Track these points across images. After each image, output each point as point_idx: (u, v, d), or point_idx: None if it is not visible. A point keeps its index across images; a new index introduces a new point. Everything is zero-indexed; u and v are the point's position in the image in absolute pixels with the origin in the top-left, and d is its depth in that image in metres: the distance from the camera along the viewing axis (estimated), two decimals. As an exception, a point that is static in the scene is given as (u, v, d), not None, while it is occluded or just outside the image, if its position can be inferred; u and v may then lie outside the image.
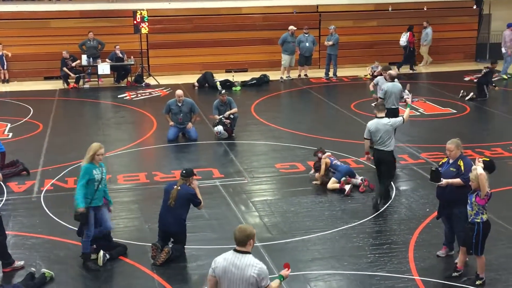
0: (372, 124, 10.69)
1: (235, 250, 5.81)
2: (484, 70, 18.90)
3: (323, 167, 11.69)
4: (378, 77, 14.20)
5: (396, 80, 13.34)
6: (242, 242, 5.80)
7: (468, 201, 7.98)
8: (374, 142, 10.69)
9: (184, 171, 9.09)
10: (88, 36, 21.14)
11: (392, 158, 10.87)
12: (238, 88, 20.46)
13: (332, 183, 11.51)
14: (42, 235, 9.70)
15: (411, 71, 23.09)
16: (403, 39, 23.06)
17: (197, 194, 8.95)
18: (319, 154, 11.92)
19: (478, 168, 7.83)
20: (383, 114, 10.73)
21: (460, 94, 18.65)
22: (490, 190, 7.85)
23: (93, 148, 8.67)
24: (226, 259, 5.80)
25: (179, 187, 8.91)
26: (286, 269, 6.06)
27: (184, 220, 8.94)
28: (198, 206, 9.07)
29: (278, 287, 5.94)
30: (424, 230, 9.79)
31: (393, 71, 13.79)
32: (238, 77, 21.56)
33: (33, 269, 8.41)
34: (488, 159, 8.57)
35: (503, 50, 21.82)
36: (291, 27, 21.66)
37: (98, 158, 8.68)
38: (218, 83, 20.24)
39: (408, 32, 23.02)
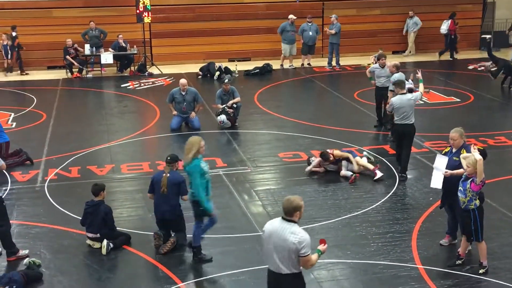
0: (396, 100, 11.30)
1: (282, 218, 6.12)
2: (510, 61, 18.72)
3: (343, 154, 11.71)
4: (373, 65, 14.38)
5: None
6: (289, 213, 6.09)
7: (461, 188, 7.98)
8: (397, 117, 11.31)
9: (169, 157, 9.11)
10: (89, 25, 21.10)
11: (414, 130, 11.50)
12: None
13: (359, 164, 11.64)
14: (46, 224, 9.73)
15: (451, 59, 23.07)
16: (444, 27, 22.98)
17: None
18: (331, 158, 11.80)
19: (476, 154, 7.84)
20: (404, 91, 11.39)
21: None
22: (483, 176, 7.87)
23: (196, 143, 8.45)
24: (273, 225, 6.16)
25: (168, 174, 8.92)
26: (323, 244, 6.28)
27: (179, 206, 8.95)
28: (185, 196, 8.87)
29: (316, 260, 6.20)
30: (427, 219, 9.79)
31: (397, 61, 13.86)
32: (241, 66, 21.53)
33: (26, 260, 8.43)
34: (482, 148, 8.59)
35: None
36: (291, 16, 21.63)
37: (202, 151, 8.49)
38: (217, 73, 20.28)
39: (449, 20, 22.90)
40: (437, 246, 8.90)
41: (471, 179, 7.87)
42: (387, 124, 13.32)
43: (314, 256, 6.14)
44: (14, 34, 20.68)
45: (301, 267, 6.13)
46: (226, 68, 20.80)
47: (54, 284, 8.06)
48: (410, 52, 23.96)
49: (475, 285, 7.96)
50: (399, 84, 11.60)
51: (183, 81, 14.87)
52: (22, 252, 8.70)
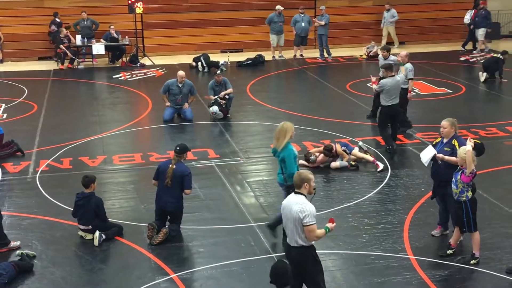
0: (388, 82, 11.90)
1: (294, 192, 6.60)
2: (497, 56, 18.72)
3: (343, 153, 11.66)
4: (379, 56, 14.42)
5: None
6: (298, 185, 6.56)
7: (453, 179, 8.01)
8: (388, 99, 11.94)
9: (178, 148, 9.00)
10: (81, 16, 20.98)
11: (399, 109, 12.48)
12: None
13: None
14: (37, 216, 9.70)
15: (473, 49, 23.15)
16: (467, 17, 23.02)
17: None
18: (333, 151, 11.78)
19: (467, 145, 7.88)
20: (393, 73, 12.08)
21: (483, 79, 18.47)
22: (474, 168, 7.88)
23: (289, 129, 8.52)
24: (287, 199, 6.68)
25: (174, 166, 8.88)
26: (331, 222, 6.58)
27: (182, 199, 8.94)
28: (187, 190, 8.89)
29: (322, 235, 6.53)
30: (419, 210, 9.83)
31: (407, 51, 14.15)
32: (234, 57, 21.49)
33: (19, 251, 8.42)
34: (480, 142, 8.61)
35: None
36: (278, 7, 21.58)
37: (292, 135, 8.61)
38: (200, 64, 20.23)
39: (473, 10, 22.92)
40: (429, 237, 8.93)
41: (462, 170, 7.90)
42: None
43: (320, 231, 6.44)
44: None
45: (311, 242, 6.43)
46: (212, 61, 20.57)
47: (46, 275, 8.04)
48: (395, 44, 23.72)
49: (467, 275, 8.00)
50: (389, 67, 12.14)
51: (181, 73, 14.81)
52: (14, 244, 8.67)
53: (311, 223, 6.35)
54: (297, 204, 6.45)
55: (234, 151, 12.59)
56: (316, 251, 6.72)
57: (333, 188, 10.77)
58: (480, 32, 22.56)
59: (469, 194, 7.99)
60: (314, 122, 14.37)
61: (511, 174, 11.37)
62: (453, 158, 8.33)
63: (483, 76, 18.17)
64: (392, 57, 14.07)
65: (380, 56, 14.42)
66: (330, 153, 11.63)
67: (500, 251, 8.48)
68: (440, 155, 8.47)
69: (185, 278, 7.94)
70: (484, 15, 22.46)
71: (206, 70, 20.12)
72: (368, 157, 11.68)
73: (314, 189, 6.72)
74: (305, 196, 6.56)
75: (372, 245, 8.71)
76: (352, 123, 14.24)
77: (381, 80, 12.15)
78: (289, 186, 8.38)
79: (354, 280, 7.85)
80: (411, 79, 13.24)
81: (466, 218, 8.01)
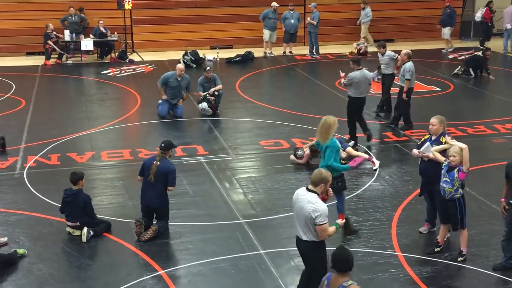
0: (357, 75, 12.24)
1: (307, 188, 6.62)
2: (478, 54, 18.86)
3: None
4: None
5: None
6: (314, 183, 6.60)
7: (447, 178, 7.99)
8: (355, 91, 12.35)
9: (163, 144, 9.01)
10: (69, 11, 20.86)
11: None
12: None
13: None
14: (25, 212, 9.66)
15: (482, 47, 23.07)
16: (478, 14, 23.11)
17: None
18: None
19: (459, 143, 7.91)
20: (361, 67, 12.44)
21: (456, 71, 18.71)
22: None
23: (334, 124, 8.64)
24: (297, 193, 6.69)
25: (158, 162, 8.87)
26: (341, 219, 6.76)
27: (166, 195, 8.93)
28: (171, 187, 8.90)
29: (333, 232, 6.64)
30: (407, 207, 9.88)
31: (409, 50, 14.10)
32: (223, 54, 21.47)
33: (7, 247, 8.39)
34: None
35: (509, 26, 22.15)
36: (274, 4, 21.60)
37: (335, 129, 8.74)
38: (184, 58, 20.15)
39: (485, 8, 22.95)
40: (417, 234, 8.98)
41: (457, 168, 7.90)
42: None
43: (331, 228, 6.55)
44: None
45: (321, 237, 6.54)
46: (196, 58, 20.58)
47: (34, 271, 8.01)
48: (369, 42, 23.38)
49: (454, 272, 8.05)
50: (356, 61, 12.51)
51: (181, 66, 14.77)
52: (1, 240, 8.63)
53: (323, 222, 6.44)
54: (309, 203, 6.46)
55: (223, 148, 12.58)
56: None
57: (322, 185, 10.78)
58: (446, 31, 22.55)
59: (461, 191, 8.05)
60: (303, 119, 14.39)
61: (498, 172, 11.39)
62: (438, 155, 8.38)
63: (457, 69, 18.55)
64: (389, 53, 14.20)
65: (378, 53, 14.59)
66: (317, 152, 11.58)
67: (487, 248, 8.53)
68: (426, 154, 8.51)
69: (173, 274, 7.94)
70: (449, 14, 22.45)
71: (194, 66, 20.06)
72: (363, 155, 11.66)
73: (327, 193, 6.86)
74: (318, 194, 6.56)
75: (360, 242, 8.74)
76: (341, 121, 14.24)
77: (350, 74, 12.35)
78: (333, 178, 8.50)
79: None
80: (408, 79, 13.22)
81: (460, 215, 8.06)
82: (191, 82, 15.00)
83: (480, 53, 18.63)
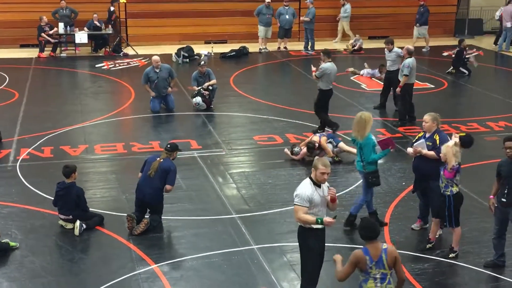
0: (329, 66, 12.77)
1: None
2: (457, 49, 18.97)
3: (328, 148, 11.63)
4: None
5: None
6: (312, 168, 6.78)
7: (441, 174, 8.10)
8: (327, 83, 12.87)
9: (168, 146, 9.14)
10: (60, 4, 20.75)
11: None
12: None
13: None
14: (17, 204, 9.64)
15: (494, 45, 23.32)
16: (498, 13, 23.13)
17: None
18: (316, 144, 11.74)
19: (450, 141, 7.95)
20: (330, 59, 12.90)
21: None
22: (457, 163, 7.93)
23: (368, 119, 8.71)
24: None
25: (161, 160, 8.91)
26: (330, 219, 6.56)
27: (161, 191, 8.93)
28: (169, 186, 8.93)
29: (307, 221, 6.58)
30: (400, 204, 9.90)
31: (411, 45, 14.32)
32: (218, 49, 21.43)
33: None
34: (465, 134, 8.66)
35: (509, 24, 22.17)
36: None
37: (372, 123, 8.84)
38: (175, 57, 20.13)
39: (504, 6, 22.96)
40: (409, 230, 9.01)
41: (445, 166, 7.97)
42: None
43: (307, 216, 6.53)
44: None
45: (313, 225, 6.58)
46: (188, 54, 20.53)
47: (26, 264, 8.00)
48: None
49: (445, 269, 8.08)
50: (327, 53, 12.97)
51: (155, 58, 14.75)
52: (-7, 232, 8.62)
53: (297, 203, 6.59)
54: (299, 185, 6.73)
55: (216, 142, 12.58)
56: (296, 244, 6.78)
57: (315, 180, 10.79)
58: (422, 31, 22.29)
59: (454, 189, 8.04)
60: (297, 114, 14.40)
61: (491, 169, 11.41)
62: (430, 152, 8.43)
63: (450, 69, 18.77)
64: (396, 50, 14.28)
65: (385, 49, 14.65)
66: (313, 150, 11.61)
67: (479, 245, 8.57)
68: (418, 149, 8.56)
69: (165, 268, 7.94)
70: (422, 12, 22.25)
71: (186, 61, 20.00)
72: (353, 150, 11.65)
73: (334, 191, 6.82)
74: (313, 181, 6.69)
75: (352, 238, 8.76)
76: (334, 116, 14.27)
77: (322, 65, 12.78)
78: (368, 173, 8.70)
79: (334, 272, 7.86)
80: (406, 75, 13.36)
81: (448, 212, 8.09)
82: (186, 76, 14.97)
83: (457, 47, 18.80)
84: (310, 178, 6.73)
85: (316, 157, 11.47)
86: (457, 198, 8.11)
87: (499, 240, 8.01)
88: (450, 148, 7.89)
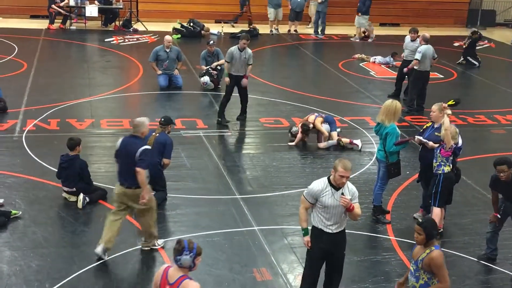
0: (232, 51, 12.36)
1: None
2: (468, 40, 18.88)
3: (322, 129, 11.59)
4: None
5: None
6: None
7: (436, 153, 8.19)
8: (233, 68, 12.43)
9: (162, 119, 9.10)
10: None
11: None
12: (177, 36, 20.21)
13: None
14: (22, 175, 9.68)
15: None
16: None
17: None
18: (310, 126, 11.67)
19: (445, 120, 7.99)
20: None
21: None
22: (455, 145, 8.07)
23: (398, 110, 8.65)
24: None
25: (157, 134, 8.90)
26: (308, 240, 6.50)
27: (159, 165, 8.92)
28: (166, 160, 8.89)
29: (300, 221, 6.54)
30: (403, 192, 9.91)
31: (427, 33, 14.28)
32: (227, 29, 21.33)
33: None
34: (453, 101, 8.86)
35: None
36: None
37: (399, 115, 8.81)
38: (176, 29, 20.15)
39: None
40: (410, 219, 9.02)
41: (442, 145, 8.07)
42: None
43: (303, 216, 6.49)
44: None
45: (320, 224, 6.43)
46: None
47: (28, 234, 8.05)
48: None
49: (446, 259, 8.07)
50: (245, 36, 12.63)
51: (168, 37, 14.71)
52: (-3, 201, 8.68)
53: (303, 195, 6.45)
54: None
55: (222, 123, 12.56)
56: (298, 227, 6.78)
57: (319, 165, 10.81)
58: (362, 21, 21.44)
59: (446, 168, 8.14)
60: (304, 98, 14.37)
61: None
62: (435, 145, 8.41)
63: (461, 60, 18.80)
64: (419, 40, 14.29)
65: (407, 36, 14.75)
66: (308, 131, 11.54)
67: (479, 237, 8.57)
68: (420, 138, 8.60)
69: (167, 245, 7.97)
70: (363, 1, 21.56)
71: (195, 29, 19.94)
72: (345, 140, 11.61)
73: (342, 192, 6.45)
74: (330, 182, 6.34)
75: (354, 225, 8.76)
76: (342, 102, 14.26)
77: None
78: (391, 164, 8.66)
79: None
80: (416, 59, 13.55)
81: (435, 190, 8.18)
82: (195, 55, 14.92)
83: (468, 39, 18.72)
84: (328, 179, 6.39)
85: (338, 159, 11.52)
86: (447, 178, 8.16)
87: (493, 235, 8.02)
88: (448, 131, 8.00)
